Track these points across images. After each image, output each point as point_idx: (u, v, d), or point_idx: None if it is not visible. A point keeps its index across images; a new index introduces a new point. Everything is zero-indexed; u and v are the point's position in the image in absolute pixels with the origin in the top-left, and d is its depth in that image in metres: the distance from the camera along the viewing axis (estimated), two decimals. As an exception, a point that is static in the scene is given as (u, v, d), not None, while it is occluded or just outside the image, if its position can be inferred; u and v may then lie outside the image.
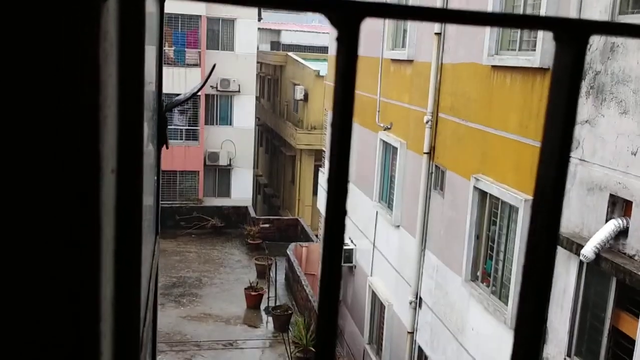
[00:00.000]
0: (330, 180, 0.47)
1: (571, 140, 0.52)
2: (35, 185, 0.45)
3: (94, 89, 0.45)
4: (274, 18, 44.80)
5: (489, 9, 8.55)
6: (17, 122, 0.44)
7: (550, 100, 0.51)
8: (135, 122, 0.63)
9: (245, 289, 17.87)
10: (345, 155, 0.52)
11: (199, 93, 25.32)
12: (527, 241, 0.55)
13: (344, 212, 0.48)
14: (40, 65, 0.44)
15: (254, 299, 17.64)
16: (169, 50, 25.37)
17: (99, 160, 0.47)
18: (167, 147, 1.64)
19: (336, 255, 0.52)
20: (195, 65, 25.60)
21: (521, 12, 8.09)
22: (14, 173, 0.45)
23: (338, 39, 0.47)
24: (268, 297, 17.51)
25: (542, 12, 7.31)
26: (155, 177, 1.57)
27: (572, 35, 0.50)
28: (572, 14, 6.77)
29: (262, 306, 17.68)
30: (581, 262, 6.39)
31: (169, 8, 26.73)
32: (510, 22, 0.53)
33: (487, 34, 8.62)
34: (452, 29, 10.00)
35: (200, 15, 25.39)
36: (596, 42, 6.47)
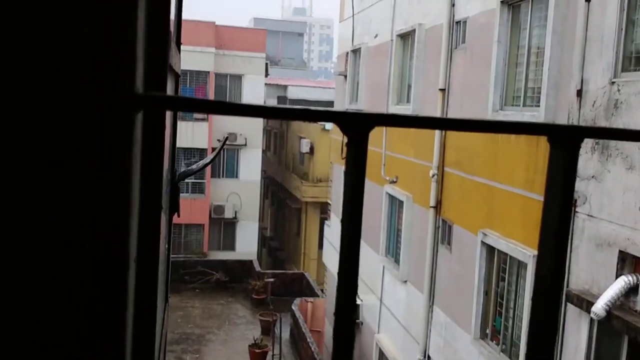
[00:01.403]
0: (340, 279, 0.50)
1: (567, 240, 0.54)
2: (69, 281, 0.48)
3: (125, 193, 0.48)
4: (281, 74, 45.75)
5: (492, 69, 8.73)
6: (47, 218, 0.47)
7: (546, 198, 0.54)
8: (154, 214, 0.67)
9: (249, 346, 17.56)
10: (356, 249, 0.55)
11: (206, 146, 25.62)
12: (532, 291, 0.58)
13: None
14: (80, 174, 0.48)
15: (258, 357, 17.30)
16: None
17: (127, 255, 0.50)
18: (178, 216, 1.68)
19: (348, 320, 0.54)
20: (203, 119, 26.00)
21: (524, 71, 8.25)
22: (49, 266, 0.48)
23: (348, 144, 0.51)
24: (273, 355, 17.17)
25: (545, 70, 7.46)
26: (167, 246, 1.60)
27: (565, 139, 0.54)
28: (575, 72, 6.90)
29: (267, 363, 17.32)
30: (592, 320, 6.30)
31: (178, 65, 27.10)
32: (509, 128, 0.57)
33: (492, 89, 8.78)
34: (456, 85, 10.19)
35: (209, 72, 25.96)
36: (599, 98, 6.58)
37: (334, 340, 0.52)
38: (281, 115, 0.49)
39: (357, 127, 0.49)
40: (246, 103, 0.48)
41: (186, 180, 26.10)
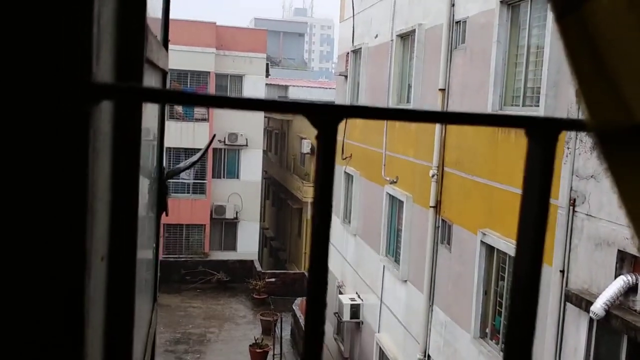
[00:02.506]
0: (309, 279, 0.49)
1: (544, 234, 0.53)
2: (17, 280, 0.47)
3: (81, 188, 0.47)
4: (282, 74, 45.74)
5: (492, 69, 8.72)
6: None
7: (524, 193, 0.53)
8: (129, 211, 0.65)
9: (250, 345, 17.56)
10: (325, 247, 0.54)
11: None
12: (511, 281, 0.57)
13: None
14: (30, 166, 0.46)
15: (259, 357, 17.30)
16: (178, 106, 25.84)
17: (84, 253, 0.48)
18: (166, 215, 1.67)
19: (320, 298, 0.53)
20: (204, 120, 25.99)
21: (523, 71, 8.23)
22: None
23: (317, 138, 0.50)
24: (273, 355, 17.18)
25: (544, 70, 7.45)
26: (154, 244, 1.59)
27: (543, 132, 0.53)
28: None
29: (268, 363, 17.32)
30: (591, 319, 6.28)
31: (178, 64, 27.09)
32: (485, 120, 0.55)
33: (491, 88, 8.76)
34: (456, 85, 10.18)
35: (209, 72, 25.96)
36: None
37: (304, 337, 0.51)
38: (247, 106, 0.48)
39: (326, 119, 0.48)
40: (210, 94, 0.47)
41: (187, 181, 26.11)
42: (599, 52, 0.46)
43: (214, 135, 3.46)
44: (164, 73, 1.48)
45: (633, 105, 0.46)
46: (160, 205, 1.55)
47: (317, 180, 0.52)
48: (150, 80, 1.16)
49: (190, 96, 0.49)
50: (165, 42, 1.67)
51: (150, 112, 1.37)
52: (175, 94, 0.47)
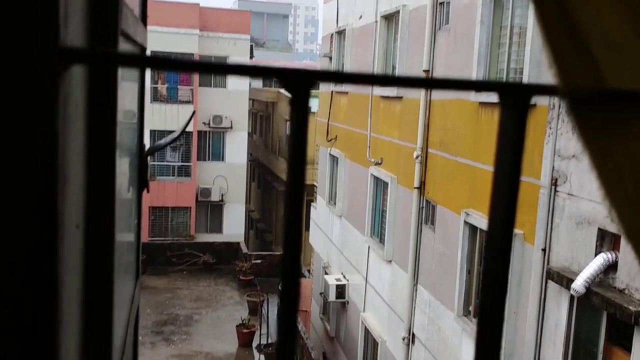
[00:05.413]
0: (285, 241, 0.49)
1: (516, 200, 0.54)
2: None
3: (51, 153, 0.46)
4: (266, 56, 45.41)
5: (475, 50, 8.72)
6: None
7: (497, 159, 0.54)
8: (105, 177, 0.65)
9: (237, 326, 17.66)
10: (298, 206, 0.54)
11: (191, 129, 25.44)
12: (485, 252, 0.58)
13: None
14: None
15: (245, 337, 17.41)
16: (161, 88, 25.61)
17: (56, 219, 0.48)
18: (147, 191, 1.66)
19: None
20: (188, 102, 25.79)
21: (507, 51, 8.25)
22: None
23: (291, 103, 0.50)
24: (260, 335, 17.29)
25: (527, 50, 7.47)
26: (136, 220, 1.58)
27: (515, 98, 0.53)
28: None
29: (254, 344, 17.44)
30: (572, 297, 6.39)
31: (162, 46, 26.68)
32: (458, 85, 0.56)
33: (475, 69, 8.77)
34: (440, 66, 10.18)
35: (193, 54, 25.70)
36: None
37: (279, 316, 0.51)
38: (218, 71, 0.48)
39: (298, 82, 0.48)
40: (182, 59, 0.47)
41: (172, 164, 25.96)
42: (569, 13, 0.46)
43: (194, 112, 3.45)
44: (142, 49, 1.46)
45: (603, 68, 0.47)
46: (141, 181, 1.55)
47: (291, 143, 0.52)
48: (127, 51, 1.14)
49: (161, 60, 0.48)
50: (143, 19, 1.65)
51: (129, 88, 1.36)
52: (145, 59, 0.47)
